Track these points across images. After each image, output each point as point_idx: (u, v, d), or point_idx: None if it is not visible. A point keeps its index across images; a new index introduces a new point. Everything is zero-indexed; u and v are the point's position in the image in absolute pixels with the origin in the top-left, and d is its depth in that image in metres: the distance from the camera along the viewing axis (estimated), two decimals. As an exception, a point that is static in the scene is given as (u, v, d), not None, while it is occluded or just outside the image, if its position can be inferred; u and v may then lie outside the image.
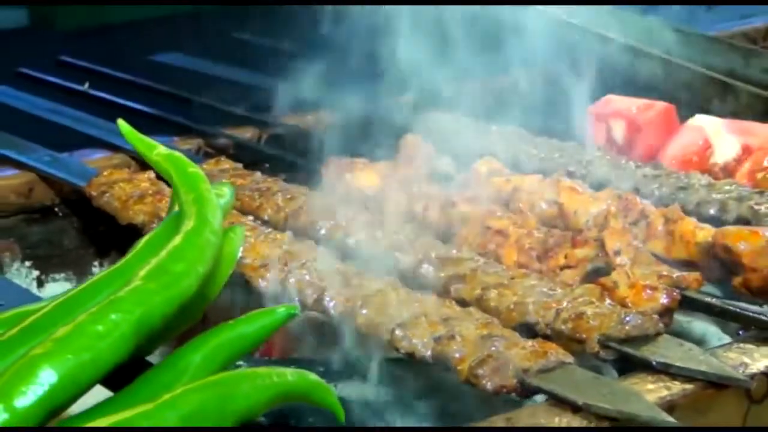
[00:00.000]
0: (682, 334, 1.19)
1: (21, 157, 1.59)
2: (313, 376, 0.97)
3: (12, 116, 1.79)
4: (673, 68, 1.74)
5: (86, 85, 1.90)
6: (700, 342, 1.21)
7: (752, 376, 0.99)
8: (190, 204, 1.02)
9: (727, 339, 1.21)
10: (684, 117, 1.57)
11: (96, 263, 1.54)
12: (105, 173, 1.48)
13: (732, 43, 1.85)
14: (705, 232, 1.20)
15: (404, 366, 1.14)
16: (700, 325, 1.25)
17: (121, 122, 1.07)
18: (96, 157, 1.60)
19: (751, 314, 1.08)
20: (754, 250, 1.14)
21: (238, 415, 0.92)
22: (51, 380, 0.85)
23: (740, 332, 1.11)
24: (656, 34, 1.85)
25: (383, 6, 1.56)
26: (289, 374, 0.96)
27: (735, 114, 1.63)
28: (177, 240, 0.98)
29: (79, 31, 2.49)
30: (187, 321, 1.02)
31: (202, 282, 0.98)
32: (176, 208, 1.05)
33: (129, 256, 1.01)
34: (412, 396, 1.14)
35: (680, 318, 1.23)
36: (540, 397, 1.01)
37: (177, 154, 1.06)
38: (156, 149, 1.06)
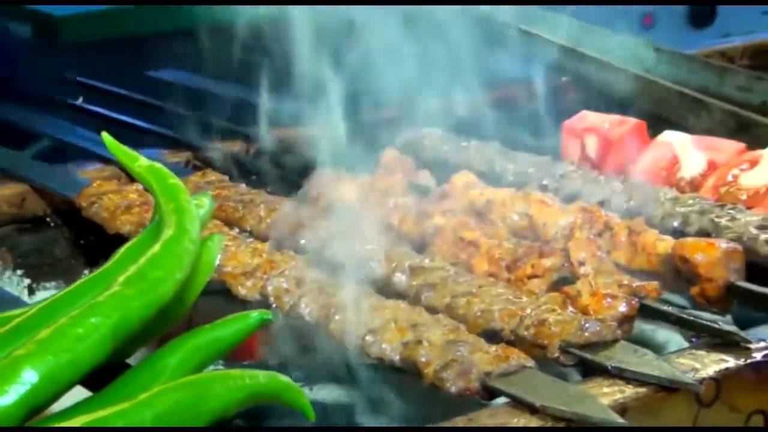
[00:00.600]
0: (645, 341, 1.24)
1: (14, 168, 1.64)
2: (284, 378, 1.02)
3: (6, 128, 1.84)
4: (650, 85, 1.79)
5: (80, 99, 1.96)
6: (661, 348, 1.25)
7: (701, 381, 1.04)
8: (169, 213, 1.06)
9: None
10: (659, 133, 1.62)
11: (86, 272, 1.59)
12: (95, 185, 1.53)
13: (708, 61, 1.90)
14: (665, 244, 1.25)
15: (376, 370, 1.19)
16: (664, 333, 1.30)
17: (105, 135, 1.11)
18: (87, 169, 1.65)
19: (703, 322, 1.12)
20: (709, 261, 1.19)
21: (211, 414, 0.97)
22: (32, 380, 0.89)
23: (693, 339, 1.16)
24: (635, 52, 1.90)
25: (365, 21, 1.60)
26: (261, 376, 1.01)
27: (709, 130, 1.68)
28: (156, 248, 1.02)
29: (78, 46, 2.55)
30: (166, 325, 1.07)
31: (180, 288, 1.03)
32: (157, 217, 1.10)
33: (110, 262, 1.06)
34: (383, 399, 1.19)
35: (645, 326, 1.28)
36: (503, 400, 1.06)
37: (158, 165, 1.11)
38: (138, 161, 1.11)
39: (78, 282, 1.04)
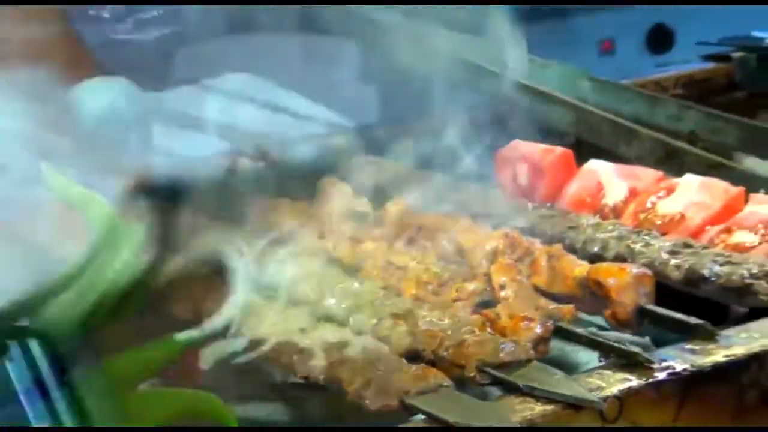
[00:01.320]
0: (566, 361, 1.30)
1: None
2: (211, 396, 1.08)
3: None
4: (583, 114, 1.86)
5: None
6: (579, 368, 1.31)
7: (605, 399, 1.09)
8: (103, 240, 1.12)
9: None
10: (588, 161, 1.68)
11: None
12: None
13: (640, 91, 1.97)
14: (581, 268, 1.31)
15: (305, 389, 1.25)
16: (585, 354, 1.35)
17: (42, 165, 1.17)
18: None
19: (611, 343, 1.18)
20: (620, 285, 1.25)
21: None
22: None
23: (602, 360, 1.21)
24: (570, 81, 1.97)
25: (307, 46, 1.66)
26: (189, 394, 1.07)
27: (639, 158, 1.75)
28: (90, 273, 1.08)
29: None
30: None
31: (113, 308, 1.08)
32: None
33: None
34: (312, 416, 1.25)
35: (568, 347, 1.34)
36: (421, 416, 1.12)
37: (93, 193, 1.16)
38: (73, 188, 1.16)
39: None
